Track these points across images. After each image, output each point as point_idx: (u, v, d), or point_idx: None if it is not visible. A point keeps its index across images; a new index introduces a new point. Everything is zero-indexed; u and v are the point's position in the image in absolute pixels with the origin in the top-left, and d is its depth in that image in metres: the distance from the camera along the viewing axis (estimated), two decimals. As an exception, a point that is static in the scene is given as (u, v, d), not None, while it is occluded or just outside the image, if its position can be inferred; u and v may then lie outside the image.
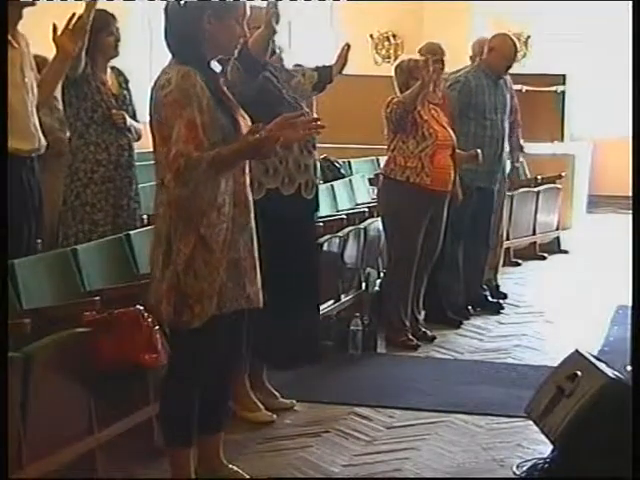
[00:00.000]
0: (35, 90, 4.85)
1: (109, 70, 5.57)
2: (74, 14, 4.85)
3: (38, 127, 4.85)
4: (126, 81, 5.67)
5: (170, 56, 3.83)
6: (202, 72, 3.73)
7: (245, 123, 3.87)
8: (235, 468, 4.20)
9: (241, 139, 3.74)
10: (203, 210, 3.70)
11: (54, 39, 4.82)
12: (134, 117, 5.63)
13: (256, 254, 3.93)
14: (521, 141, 8.20)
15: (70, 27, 4.78)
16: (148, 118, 3.80)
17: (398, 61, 6.49)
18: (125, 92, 5.62)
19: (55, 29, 4.80)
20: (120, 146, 5.51)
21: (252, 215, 3.91)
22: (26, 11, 4.83)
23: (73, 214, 5.44)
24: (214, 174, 3.66)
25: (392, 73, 6.34)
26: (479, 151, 6.55)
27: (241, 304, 3.89)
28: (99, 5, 5.47)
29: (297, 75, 5.08)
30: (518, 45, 7.33)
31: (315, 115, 5.19)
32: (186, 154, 3.58)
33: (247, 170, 3.90)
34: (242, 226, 3.85)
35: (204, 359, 3.89)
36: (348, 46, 5.21)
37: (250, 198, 3.91)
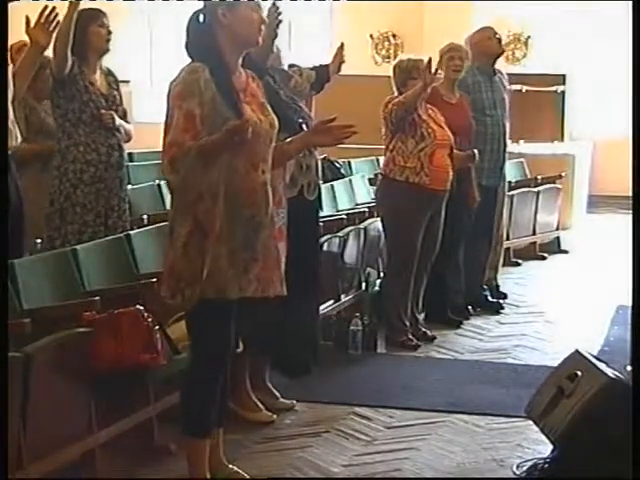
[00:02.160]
0: (11, 87, 4.82)
1: (98, 70, 5.52)
2: (46, 7, 4.85)
3: (15, 124, 4.81)
4: (116, 81, 5.62)
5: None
6: (214, 68, 3.81)
7: (261, 119, 3.89)
8: (235, 468, 4.21)
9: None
10: (199, 196, 3.79)
11: (27, 32, 4.81)
12: (124, 117, 5.60)
13: (260, 248, 3.92)
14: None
15: (43, 20, 4.77)
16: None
17: (396, 60, 6.48)
18: (115, 92, 5.57)
19: (28, 22, 4.78)
20: (110, 146, 5.48)
21: (264, 211, 3.91)
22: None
23: (62, 215, 5.38)
24: (202, 162, 3.77)
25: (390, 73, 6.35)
26: (476, 151, 6.54)
27: (244, 293, 3.90)
28: (96, 4, 5.49)
29: (295, 75, 5.09)
30: (504, 36, 7.32)
31: (312, 114, 5.19)
32: (180, 143, 3.72)
33: (261, 167, 3.90)
34: (242, 218, 3.85)
35: (220, 344, 3.95)
36: (342, 45, 5.28)
37: (263, 194, 3.91)
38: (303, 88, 5.13)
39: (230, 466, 4.20)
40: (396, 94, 6.23)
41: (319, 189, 5.01)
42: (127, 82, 5.72)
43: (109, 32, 5.47)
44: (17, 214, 4.91)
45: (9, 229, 4.71)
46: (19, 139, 4.91)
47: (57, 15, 4.82)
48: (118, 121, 5.49)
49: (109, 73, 5.60)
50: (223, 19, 3.85)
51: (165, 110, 3.86)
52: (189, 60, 3.90)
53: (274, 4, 4.51)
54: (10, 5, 4.72)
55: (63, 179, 5.41)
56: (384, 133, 6.25)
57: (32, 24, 4.86)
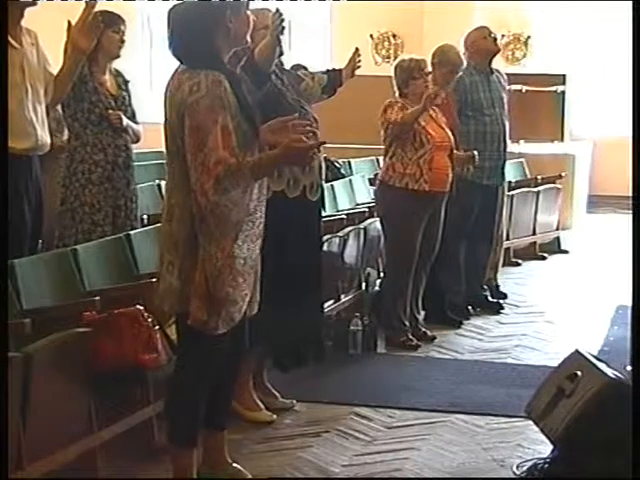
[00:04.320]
0: (40, 89, 4.83)
1: (108, 72, 5.55)
2: (87, 11, 4.85)
3: (37, 126, 4.82)
4: (125, 82, 5.66)
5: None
6: (230, 77, 3.70)
7: None
8: (238, 467, 4.21)
9: (281, 147, 3.72)
10: (239, 216, 3.69)
11: (68, 36, 4.83)
12: (133, 118, 5.62)
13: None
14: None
15: (84, 25, 4.78)
16: (163, 120, 3.76)
17: (398, 60, 6.47)
18: (124, 93, 5.61)
19: (70, 26, 4.81)
20: (117, 147, 5.51)
21: None
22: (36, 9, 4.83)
23: (72, 215, 5.45)
24: (253, 181, 3.69)
25: (391, 73, 6.35)
26: (476, 152, 6.54)
27: (254, 309, 3.93)
28: (103, 6, 5.49)
29: (306, 79, 5.08)
30: (497, 35, 7.31)
31: (315, 116, 5.17)
32: (224, 161, 3.58)
33: None
34: (261, 231, 3.88)
35: (215, 361, 3.89)
36: (357, 49, 5.26)
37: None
38: (314, 92, 5.11)
39: (234, 465, 4.20)
40: (397, 94, 6.24)
41: (322, 190, 5.00)
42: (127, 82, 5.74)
43: (123, 39, 5.51)
44: (38, 214, 4.94)
45: (31, 228, 4.76)
46: (42, 142, 4.91)
47: (100, 20, 4.84)
48: (126, 121, 5.52)
49: (118, 74, 5.65)
50: (230, 25, 3.72)
51: (172, 117, 3.70)
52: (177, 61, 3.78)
53: (277, 11, 4.46)
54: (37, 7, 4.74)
55: (73, 179, 5.47)
56: (383, 137, 6.25)
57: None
